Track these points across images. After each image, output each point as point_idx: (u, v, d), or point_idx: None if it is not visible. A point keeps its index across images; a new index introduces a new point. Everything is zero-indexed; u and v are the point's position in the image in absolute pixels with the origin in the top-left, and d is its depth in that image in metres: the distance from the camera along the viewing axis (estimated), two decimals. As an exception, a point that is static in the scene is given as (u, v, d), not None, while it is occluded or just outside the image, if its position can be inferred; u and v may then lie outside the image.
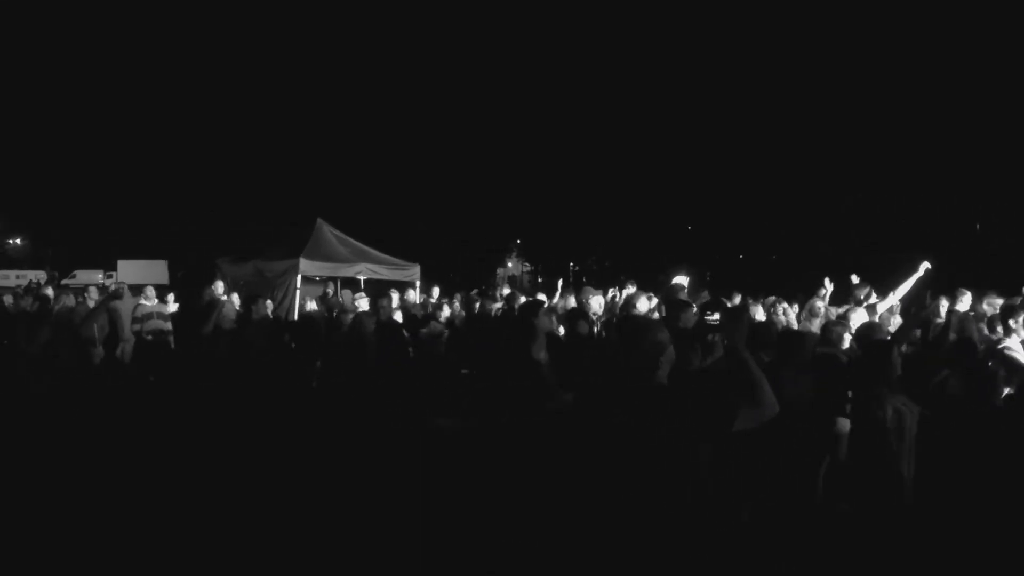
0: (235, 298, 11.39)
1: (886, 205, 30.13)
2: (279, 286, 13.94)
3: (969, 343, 6.43)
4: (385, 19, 34.37)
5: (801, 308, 9.06)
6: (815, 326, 8.06)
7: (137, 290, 11.61)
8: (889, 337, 6.62)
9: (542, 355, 4.88)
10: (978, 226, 30.62)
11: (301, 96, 33.13)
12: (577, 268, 41.95)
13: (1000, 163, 27.32)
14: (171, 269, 24.38)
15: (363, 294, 10.78)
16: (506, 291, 12.02)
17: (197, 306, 9.22)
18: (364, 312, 8.09)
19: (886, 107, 30.48)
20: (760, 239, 34.13)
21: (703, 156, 34.84)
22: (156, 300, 10.97)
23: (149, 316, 10.49)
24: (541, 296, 9.87)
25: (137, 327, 10.44)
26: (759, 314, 8.47)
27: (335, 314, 9.76)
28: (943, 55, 28.31)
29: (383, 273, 15.44)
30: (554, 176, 36.97)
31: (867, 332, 6.10)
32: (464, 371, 5.85)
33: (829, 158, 31.66)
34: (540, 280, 40.90)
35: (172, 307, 11.41)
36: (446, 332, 6.55)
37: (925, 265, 8.57)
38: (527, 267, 49.11)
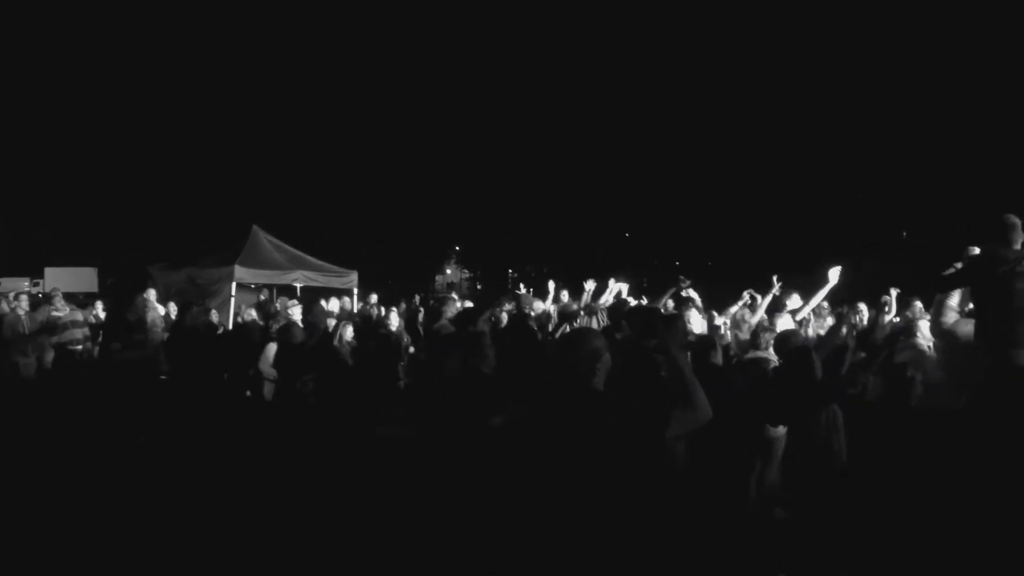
0: (171, 307, 11.20)
1: (826, 209, 30.93)
2: (213, 294, 13.72)
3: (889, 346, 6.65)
4: (314, 18, 33.95)
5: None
6: (744, 333, 8.25)
7: (71, 298, 11.27)
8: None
9: (486, 365, 4.91)
10: (904, 233, 31.54)
11: (233, 99, 32.46)
12: (516, 275, 42.08)
13: (921, 167, 28.26)
14: (101, 276, 23.69)
15: (296, 302, 10.66)
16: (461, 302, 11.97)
17: (134, 316, 9.01)
18: (292, 321, 7.98)
19: (817, 112, 31.25)
20: (697, 245, 34.67)
21: (640, 163, 35.28)
22: (68, 308, 10.53)
23: (64, 326, 10.11)
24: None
25: (53, 338, 10.01)
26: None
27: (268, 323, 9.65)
28: (903, 52, 29.04)
29: (320, 280, 15.30)
30: (493, 182, 37.04)
31: (785, 339, 6.26)
32: (403, 381, 5.86)
33: (763, 165, 32.36)
34: (479, 287, 40.95)
35: (99, 314, 11.13)
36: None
37: (836, 271, 8.81)
38: (466, 274, 49.10)
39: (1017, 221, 6.03)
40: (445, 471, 4.27)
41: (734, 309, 9.02)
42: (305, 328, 7.11)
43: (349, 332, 8.37)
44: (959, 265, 6.73)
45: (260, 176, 31.95)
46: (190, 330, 7.83)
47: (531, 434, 3.51)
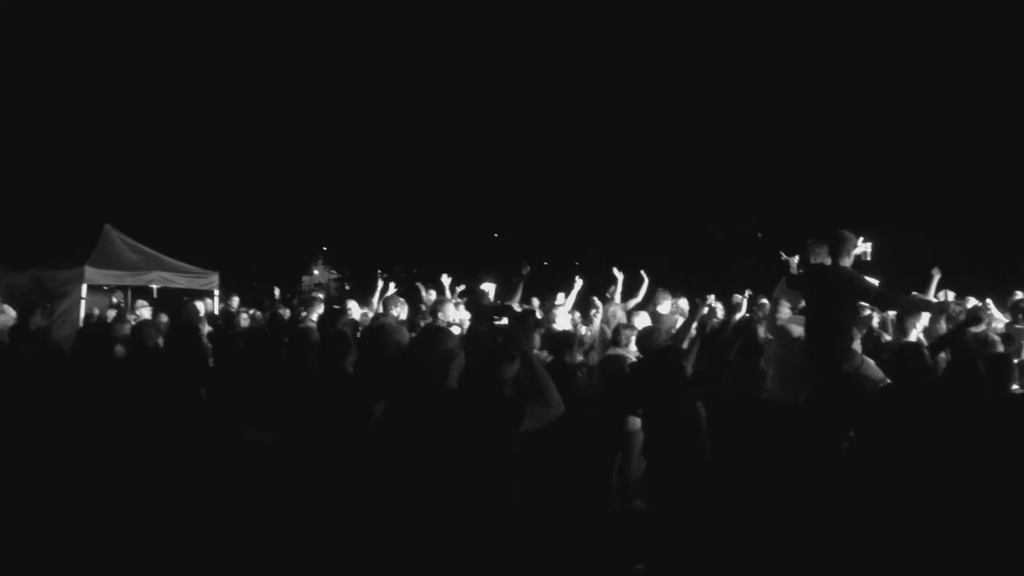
0: (9, 310, 10.54)
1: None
2: (62, 296, 13.04)
3: (752, 344, 6.97)
4: (164, 8, 32.55)
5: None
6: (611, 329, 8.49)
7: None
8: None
9: (348, 365, 4.87)
10: (759, 234, 32.94)
11: (82, 85, 30.65)
12: (386, 275, 41.72)
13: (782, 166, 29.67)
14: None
15: (145, 303, 10.27)
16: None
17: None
18: (146, 321, 7.68)
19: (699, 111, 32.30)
20: (565, 245, 35.26)
21: (508, 163, 35.56)
22: None
23: None
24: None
25: None
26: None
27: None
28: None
29: (178, 281, 14.76)
30: (361, 182, 36.52)
31: (647, 335, 6.49)
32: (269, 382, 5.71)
33: (629, 165, 33.23)
34: (348, 288, 40.34)
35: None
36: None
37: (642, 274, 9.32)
38: (334, 274, 48.29)
39: (850, 236, 6.47)
40: (308, 473, 4.21)
41: (613, 307, 9.29)
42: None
43: (205, 333, 8.15)
44: (797, 260, 7.16)
45: (112, 171, 30.36)
46: (35, 335, 7.41)
47: (388, 434, 3.54)
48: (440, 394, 3.50)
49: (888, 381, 5.92)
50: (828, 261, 6.58)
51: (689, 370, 5.62)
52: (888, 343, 7.57)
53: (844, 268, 6.35)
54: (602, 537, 5.37)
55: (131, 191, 29.07)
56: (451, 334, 3.70)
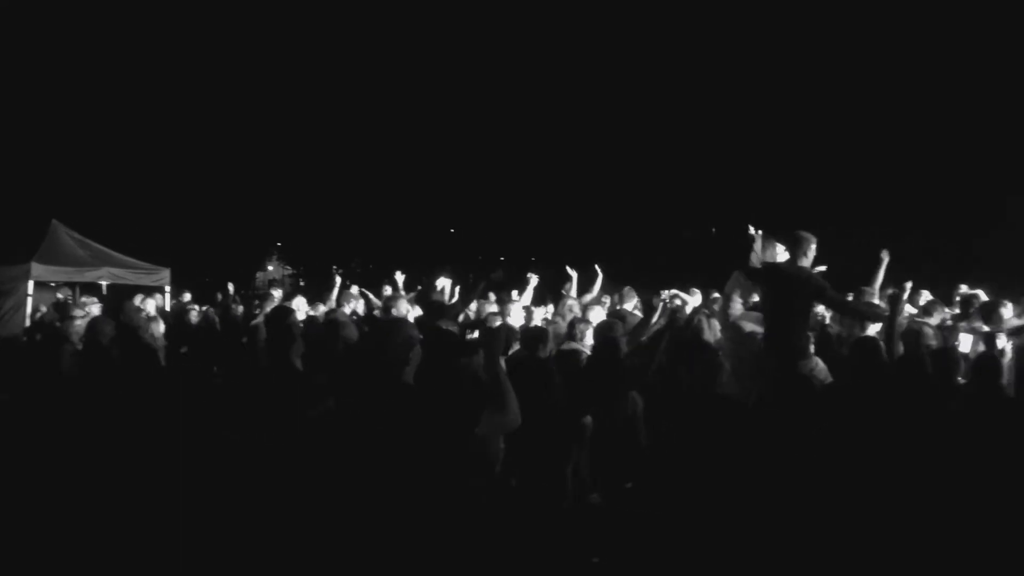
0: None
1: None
2: (7, 293, 12.78)
3: (699, 338, 7.04)
4: (109, 10, 31.90)
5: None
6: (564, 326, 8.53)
7: None
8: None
9: (299, 360, 4.85)
10: (713, 229, 33.31)
11: (27, 77, 29.93)
12: (341, 271, 41.47)
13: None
14: None
15: (95, 299, 10.09)
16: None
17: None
18: (98, 317, 7.54)
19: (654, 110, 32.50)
20: (521, 241, 35.36)
21: (464, 157, 35.49)
22: None
23: None
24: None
25: None
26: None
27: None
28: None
29: (128, 278, 14.55)
30: (315, 177, 36.16)
31: (603, 330, 6.55)
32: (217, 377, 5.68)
33: (582, 164, 33.39)
34: (303, 284, 39.99)
35: None
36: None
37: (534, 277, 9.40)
38: (288, 270, 47.84)
39: (808, 236, 6.58)
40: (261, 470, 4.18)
41: (569, 301, 9.33)
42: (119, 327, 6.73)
43: (160, 330, 8.05)
44: (756, 254, 7.22)
45: (59, 166, 29.69)
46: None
47: (338, 429, 3.52)
48: (396, 388, 3.49)
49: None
50: (781, 258, 6.68)
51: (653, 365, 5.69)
52: (841, 335, 7.67)
53: (802, 268, 6.45)
54: (558, 531, 5.39)
55: (79, 186, 28.47)
56: (409, 323, 3.71)
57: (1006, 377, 6.76)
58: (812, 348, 6.64)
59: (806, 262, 6.52)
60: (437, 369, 3.47)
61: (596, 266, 9.80)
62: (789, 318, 6.32)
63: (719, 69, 31.13)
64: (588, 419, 5.99)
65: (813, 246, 6.61)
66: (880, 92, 27.53)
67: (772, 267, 6.82)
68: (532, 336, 6.39)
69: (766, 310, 6.71)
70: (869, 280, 8.57)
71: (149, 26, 32.25)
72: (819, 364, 6.39)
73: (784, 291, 6.41)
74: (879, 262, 8.53)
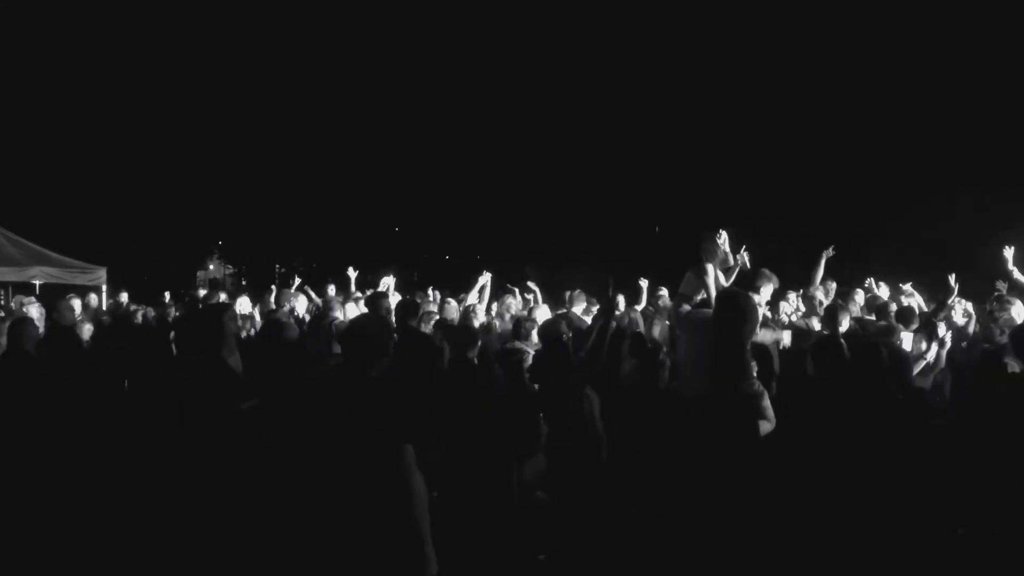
0: None
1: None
2: (-66, 293, 12.45)
3: (639, 336, 7.14)
4: (41, 8, 31.01)
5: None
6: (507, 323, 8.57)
7: None
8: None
9: (232, 359, 4.81)
10: (656, 228, 33.72)
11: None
12: (283, 270, 40.96)
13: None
14: None
15: (32, 299, 9.82)
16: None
17: None
18: (25, 318, 7.34)
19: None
20: (467, 240, 35.37)
21: (407, 157, 35.31)
22: None
23: None
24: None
25: None
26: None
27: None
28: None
29: (63, 277, 14.29)
30: (257, 174, 35.57)
31: (549, 328, 6.61)
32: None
33: (524, 164, 33.47)
34: (244, 283, 39.38)
35: None
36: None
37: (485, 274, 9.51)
38: (230, 269, 47.07)
39: (770, 275, 6.73)
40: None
41: (509, 300, 9.37)
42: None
43: (87, 331, 7.91)
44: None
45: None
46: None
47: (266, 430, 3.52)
48: (364, 382, 3.51)
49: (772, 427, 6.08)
50: (766, 290, 6.78)
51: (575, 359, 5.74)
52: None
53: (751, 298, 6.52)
54: (504, 529, 5.42)
55: (11, 184, 27.64)
56: (291, 327, 3.77)
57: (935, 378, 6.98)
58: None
59: (758, 298, 6.62)
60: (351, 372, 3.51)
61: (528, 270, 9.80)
62: (734, 344, 6.32)
63: (668, 67, 31.52)
64: (540, 417, 6.02)
65: (771, 287, 6.75)
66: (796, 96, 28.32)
67: (726, 293, 6.86)
68: (462, 336, 6.40)
69: (711, 333, 6.78)
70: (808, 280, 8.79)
71: (74, 23, 31.41)
72: (765, 394, 6.44)
73: (734, 319, 6.41)
74: (817, 261, 8.71)
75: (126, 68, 32.56)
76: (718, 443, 5.14)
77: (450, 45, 34.98)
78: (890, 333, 6.96)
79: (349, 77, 35.71)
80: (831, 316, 7.36)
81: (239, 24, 34.90)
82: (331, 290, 10.57)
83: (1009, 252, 7.68)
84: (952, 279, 8.18)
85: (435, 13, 34.89)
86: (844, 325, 7.17)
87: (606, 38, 32.94)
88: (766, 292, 6.92)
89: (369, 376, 3.53)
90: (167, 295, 12.88)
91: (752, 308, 6.22)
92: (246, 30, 35.15)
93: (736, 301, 6.14)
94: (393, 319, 6.82)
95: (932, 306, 8.43)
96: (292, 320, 8.34)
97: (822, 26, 28.10)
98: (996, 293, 9.00)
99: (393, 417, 3.38)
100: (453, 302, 9.10)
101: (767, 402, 6.27)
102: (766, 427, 5.86)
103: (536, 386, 5.77)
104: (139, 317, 10.50)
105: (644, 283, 9.93)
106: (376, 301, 7.70)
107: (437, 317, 8.27)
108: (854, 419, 4.74)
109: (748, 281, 6.76)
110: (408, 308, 7.06)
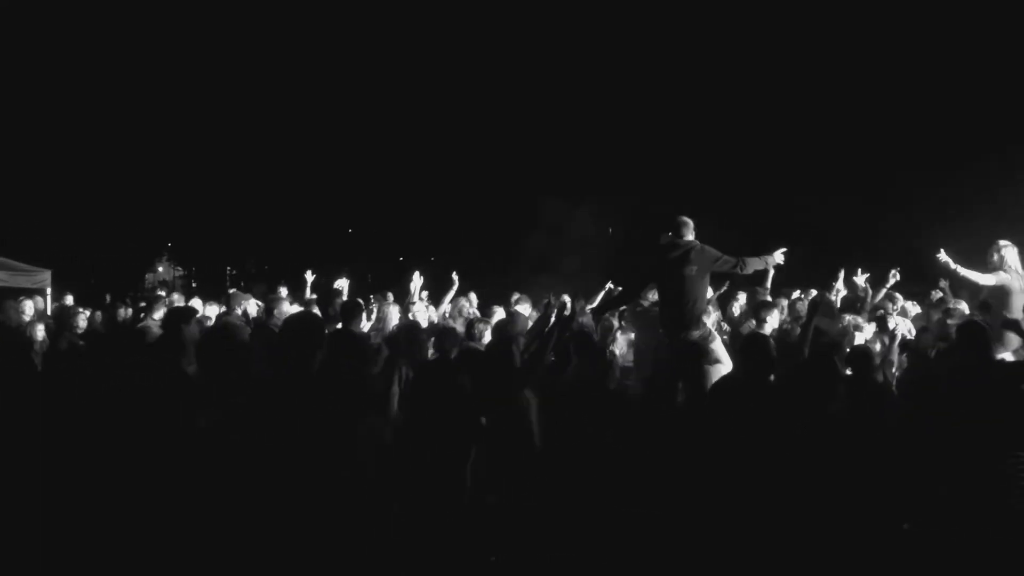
0: None
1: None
2: None
3: (585, 334, 7.19)
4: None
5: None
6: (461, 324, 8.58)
7: None
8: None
9: (191, 368, 4.75)
10: (610, 229, 33.83)
11: None
12: (235, 272, 40.47)
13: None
14: None
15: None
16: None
17: None
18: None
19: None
20: (422, 242, 35.23)
21: (359, 157, 35.12)
22: None
23: None
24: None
25: None
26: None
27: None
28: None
29: (7, 280, 13.95)
30: (207, 175, 35.04)
31: (503, 327, 6.65)
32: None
33: (488, 162, 33.47)
34: (195, 285, 38.80)
35: None
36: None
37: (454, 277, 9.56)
38: (179, 271, 46.35)
39: (688, 220, 6.93)
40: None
41: (461, 301, 9.37)
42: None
43: (40, 333, 7.77)
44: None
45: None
46: None
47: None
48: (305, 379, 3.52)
49: (727, 367, 6.27)
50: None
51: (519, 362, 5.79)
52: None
53: (692, 240, 6.75)
54: (455, 531, 5.42)
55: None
56: (242, 328, 3.76)
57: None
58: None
59: (691, 236, 6.85)
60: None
61: (454, 273, 9.69)
62: (682, 288, 6.61)
63: (611, 62, 31.69)
64: (483, 419, 6.04)
65: (691, 225, 6.98)
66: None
67: (665, 243, 7.05)
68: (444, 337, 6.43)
69: (658, 290, 7.02)
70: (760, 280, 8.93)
71: (18, 23, 30.65)
72: (717, 338, 6.69)
73: (677, 262, 6.68)
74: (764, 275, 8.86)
75: (72, 68, 31.86)
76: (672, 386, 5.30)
77: (402, 47, 34.93)
78: (845, 333, 7.17)
79: (301, 79, 35.39)
80: (755, 313, 7.67)
81: (185, 26, 34.35)
82: (283, 291, 10.47)
83: (944, 256, 7.82)
84: (893, 274, 8.53)
85: (386, 21, 34.82)
86: (767, 326, 7.28)
87: (572, 40, 33.05)
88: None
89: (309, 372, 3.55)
90: (107, 296, 12.67)
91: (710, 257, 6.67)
92: (192, 32, 34.63)
93: (703, 252, 6.76)
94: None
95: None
96: (244, 322, 8.26)
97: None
98: (939, 295, 9.20)
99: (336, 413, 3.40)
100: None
101: (718, 344, 6.53)
102: (720, 369, 6.05)
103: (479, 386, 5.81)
104: (83, 320, 10.29)
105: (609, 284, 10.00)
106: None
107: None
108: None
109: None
110: (351, 309, 7.08)
